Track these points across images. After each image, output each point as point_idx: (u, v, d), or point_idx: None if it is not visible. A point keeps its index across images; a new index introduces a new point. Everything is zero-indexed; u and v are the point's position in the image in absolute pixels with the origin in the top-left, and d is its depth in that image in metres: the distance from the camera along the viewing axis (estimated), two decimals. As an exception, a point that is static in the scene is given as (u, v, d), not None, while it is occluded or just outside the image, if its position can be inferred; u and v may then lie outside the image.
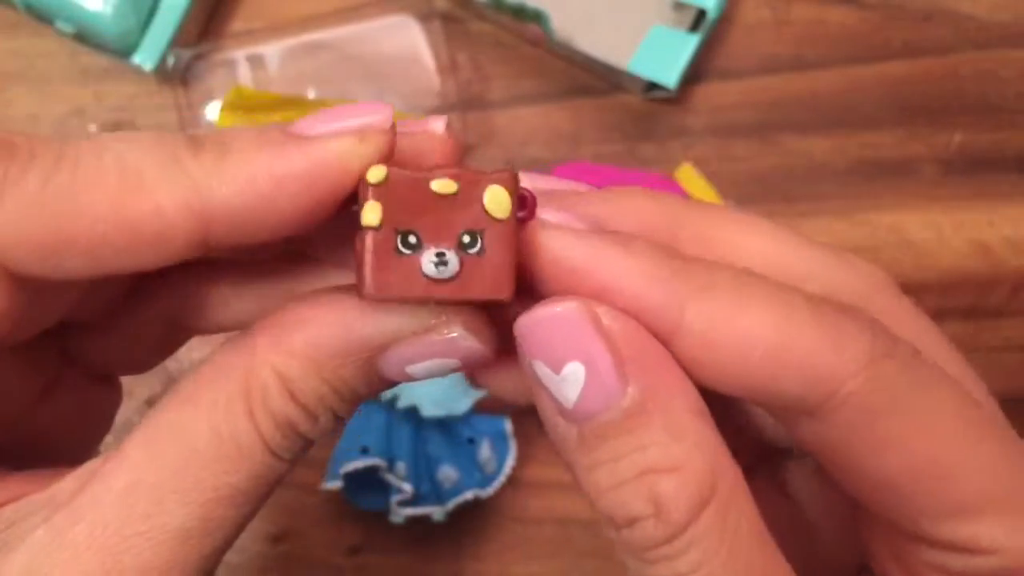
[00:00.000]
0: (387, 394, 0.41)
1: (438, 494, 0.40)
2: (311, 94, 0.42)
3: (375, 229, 0.16)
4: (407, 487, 0.39)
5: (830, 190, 0.44)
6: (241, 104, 0.39)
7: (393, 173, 0.16)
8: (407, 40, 0.42)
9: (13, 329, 0.18)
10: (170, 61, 0.42)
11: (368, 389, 0.18)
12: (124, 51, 0.42)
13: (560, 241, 0.17)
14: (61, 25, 0.42)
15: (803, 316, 0.17)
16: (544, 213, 0.18)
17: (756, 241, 0.19)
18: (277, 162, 0.17)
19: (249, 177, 0.17)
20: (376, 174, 0.16)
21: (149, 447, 0.18)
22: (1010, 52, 0.44)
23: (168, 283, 0.22)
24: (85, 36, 0.42)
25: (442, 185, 0.17)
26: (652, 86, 0.42)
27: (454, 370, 0.18)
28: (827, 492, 0.21)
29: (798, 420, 0.18)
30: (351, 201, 0.17)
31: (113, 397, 0.24)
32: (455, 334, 0.17)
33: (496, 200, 0.17)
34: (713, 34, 0.43)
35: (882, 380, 0.17)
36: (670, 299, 0.17)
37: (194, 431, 0.17)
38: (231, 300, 0.22)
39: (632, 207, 0.19)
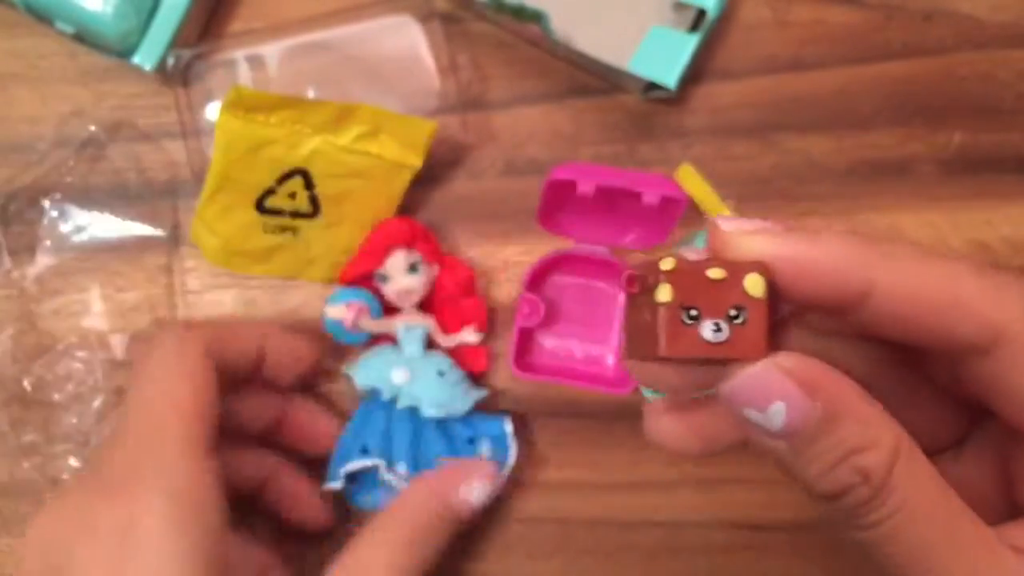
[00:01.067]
0: (387, 394, 0.41)
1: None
2: (311, 94, 0.42)
3: (666, 305, 0.22)
4: (406, 487, 0.39)
5: (829, 190, 0.44)
6: (241, 104, 0.39)
7: (680, 262, 0.22)
8: (407, 40, 0.42)
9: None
10: (170, 61, 0.42)
11: None
12: (124, 51, 0.42)
13: (770, 242, 0.23)
14: (61, 25, 0.42)
15: (972, 276, 0.22)
16: (744, 223, 0.23)
17: (950, 282, 0.23)
18: None
19: None
20: (667, 264, 0.22)
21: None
22: (1010, 53, 0.44)
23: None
24: (85, 36, 0.42)
25: (715, 272, 0.22)
26: (652, 86, 0.42)
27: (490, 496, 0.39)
28: (981, 468, 0.27)
29: (971, 361, 0.23)
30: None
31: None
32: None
33: (754, 285, 0.22)
34: (713, 34, 0.43)
35: None
36: (861, 267, 0.22)
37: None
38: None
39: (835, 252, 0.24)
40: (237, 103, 0.39)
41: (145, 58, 0.42)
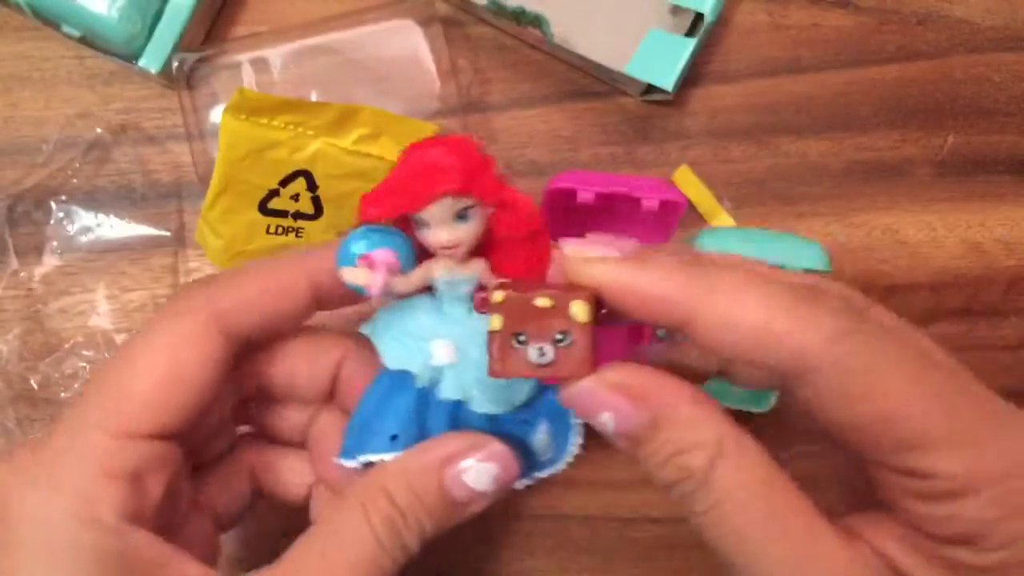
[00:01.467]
0: (424, 379, 0.30)
1: None
2: (314, 97, 0.43)
3: (497, 332, 0.25)
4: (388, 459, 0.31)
5: (825, 191, 0.44)
6: (245, 107, 0.39)
7: (508, 296, 0.25)
8: (408, 44, 0.43)
9: (206, 410, 0.29)
10: (175, 64, 0.42)
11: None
12: (130, 55, 0.42)
13: (601, 269, 0.26)
14: (67, 29, 0.42)
15: (784, 304, 0.24)
16: (590, 248, 0.27)
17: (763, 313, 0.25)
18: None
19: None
20: (498, 296, 0.25)
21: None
22: (1003, 56, 0.44)
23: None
24: (91, 40, 0.42)
25: (543, 301, 0.25)
26: (650, 89, 0.42)
27: (494, 481, 0.29)
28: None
29: (791, 385, 0.24)
30: None
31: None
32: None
33: (579, 310, 0.25)
34: (710, 37, 0.44)
35: (847, 351, 0.23)
36: (682, 298, 0.25)
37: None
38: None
39: (657, 283, 0.26)
40: (241, 106, 0.39)
41: (150, 61, 0.42)
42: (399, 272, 0.28)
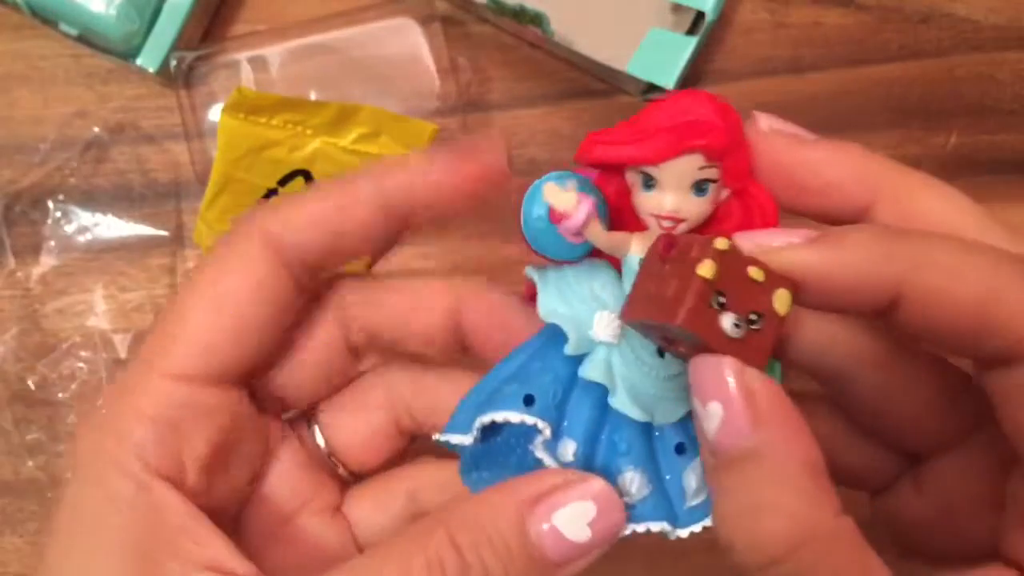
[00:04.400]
0: (576, 347, 0.25)
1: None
2: (312, 96, 0.43)
3: (705, 281, 0.20)
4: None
5: (827, 191, 0.44)
6: (243, 105, 0.39)
7: (732, 249, 0.21)
8: (408, 42, 0.43)
9: (279, 333, 0.26)
10: (173, 63, 0.42)
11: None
12: (127, 53, 0.42)
13: (792, 255, 0.21)
14: (65, 27, 0.42)
15: (1007, 281, 0.20)
16: (770, 237, 0.22)
17: (955, 217, 0.23)
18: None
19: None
20: (723, 243, 0.21)
21: None
22: (1006, 55, 0.44)
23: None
24: (89, 38, 0.42)
25: (755, 273, 0.21)
26: (651, 88, 0.42)
27: (591, 527, 0.23)
28: (964, 483, 0.25)
29: (994, 370, 0.21)
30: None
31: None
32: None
33: (782, 300, 0.21)
34: (711, 36, 0.44)
35: None
36: (888, 272, 0.20)
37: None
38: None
39: (847, 161, 0.24)
40: (239, 105, 0.39)
41: (148, 60, 0.42)
42: (599, 219, 0.24)
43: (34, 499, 0.44)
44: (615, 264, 0.25)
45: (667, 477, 0.25)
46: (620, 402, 0.24)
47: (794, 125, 0.25)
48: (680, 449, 0.25)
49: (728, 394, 0.20)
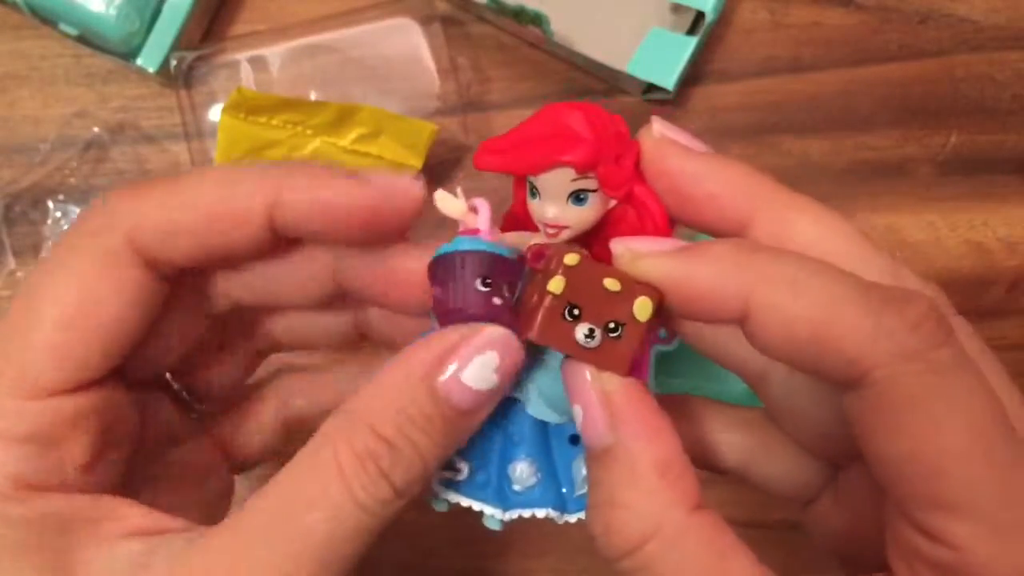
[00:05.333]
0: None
1: (500, 492, 0.27)
2: (312, 96, 0.43)
3: (555, 296, 0.22)
4: (463, 465, 0.27)
5: (827, 191, 0.44)
6: (243, 105, 0.39)
7: (583, 261, 0.22)
8: (408, 42, 0.43)
9: (138, 336, 0.24)
10: (173, 63, 0.42)
11: (439, 413, 0.23)
12: (127, 53, 0.42)
13: (653, 263, 0.22)
14: (65, 27, 0.42)
15: (848, 305, 0.20)
16: (640, 243, 0.23)
17: (829, 241, 0.23)
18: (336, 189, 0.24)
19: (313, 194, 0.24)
20: (572, 259, 0.22)
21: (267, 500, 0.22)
22: (1005, 54, 0.44)
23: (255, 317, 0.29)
24: (89, 38, 0.42)
25: (611, 283, 0.22)
26: (651, 88, 0.42)
27: (497, 372, 0.23)
28: (870, 492, 0.24)
29: (843, 392, 0.21)
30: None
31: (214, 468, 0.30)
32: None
33: (642, 308, 0.22)
34: (711, 36, 0.44)
35: (907, 375, 0.19)
36: (739, 288, 0.21)
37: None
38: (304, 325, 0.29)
39: (728, 176, 0.24)
40: (239, 104, 0.39)
41: (148, 60, 0.42)
42: (492, 226, 0.25)
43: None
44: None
45: (559, 466, 0.27)
46: (537, 410, 0.26)
47: (687, 134, 0.25)
48: (575, 440, 0.26)
49: (586, 397, 0.22)
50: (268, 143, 0.40)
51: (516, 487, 0.27)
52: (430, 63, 0.43)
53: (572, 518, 0.27)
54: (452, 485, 0.27)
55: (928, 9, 0.44)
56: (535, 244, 0.24)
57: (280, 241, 0.25)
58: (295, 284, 0.27)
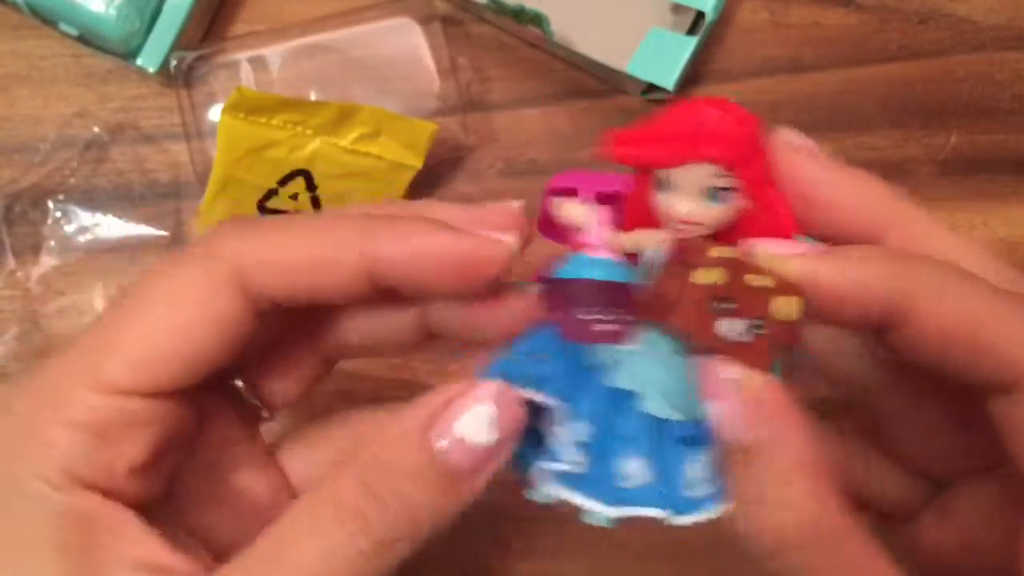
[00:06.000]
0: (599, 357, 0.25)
1: (609, 489, 0.25)
2: (312, 96, 0.43)
3: (702, 287, 0.22)
4: (579, 456, 0.25)
5: (827, 191, 0.44)
6: (243, 105, 0.39)
7: (738, 256, 0.22)
8: (408, 42, 0.43)
9: (231, 358, 0.25)
10: (173, 63, 0.42)
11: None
12: (127, 53, 0.42)
13: (801, 264, 0.22)
14: (64, 27, 0.42)
15: (1002, 309, 0.21)
16: (779, 246, 0.23)
17: (962, 252, 0.23)
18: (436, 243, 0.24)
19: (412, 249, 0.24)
20: (720, 252, 0.22)
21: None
22: (1006, 55, 0.44)
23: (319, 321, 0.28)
24: (88, 38, 0.42)
25: (757, 280, 0.22)
26: (651, 87, 0.42)
27: (494, 426, 0.23)
28: (987, 513, 0.25)
29: (994, 398, 0.22)
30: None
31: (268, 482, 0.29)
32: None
33: (786, 306, 0.22)
34: (711, 36, 0.44)
35: None
36: (886, 297, 0.21)
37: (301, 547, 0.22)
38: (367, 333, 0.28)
39: (864, 186, 0.25)
40: (239, 104, 0.39)
41: (148, 60, 0.42)
42: (610, 230, 0.25)
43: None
44: (633, 260, 0.25)
45: (671, 466, 0.25)
46: (656, 407, 0.24)
47: (812, 143, 0.26)
48: (687, 440, 0.25)
49: (727, 393, 0.21)
50: (268, 143, 0.40)
51: (626, 484, 0.25)
52: (430, 63, 0.43)
53: (687, 520, 0.25)
54: (562, 479, 0.25)
55: (928, 9, 0.44)
56: (674, 239, 0.24)
57: (378, 290, 0.25)
58: (387, 331, 0.28)
